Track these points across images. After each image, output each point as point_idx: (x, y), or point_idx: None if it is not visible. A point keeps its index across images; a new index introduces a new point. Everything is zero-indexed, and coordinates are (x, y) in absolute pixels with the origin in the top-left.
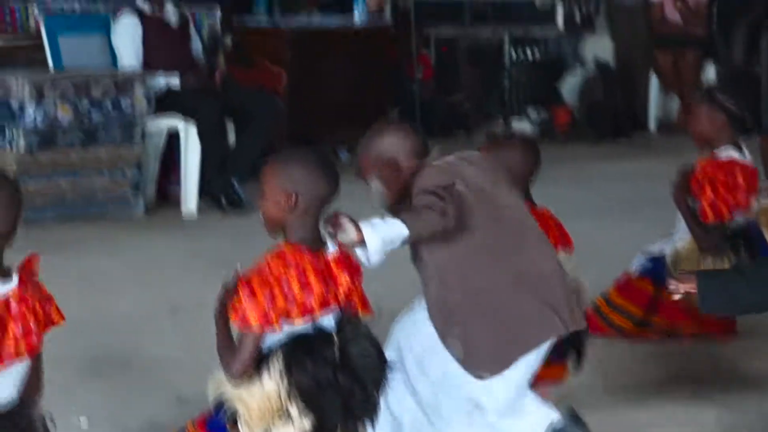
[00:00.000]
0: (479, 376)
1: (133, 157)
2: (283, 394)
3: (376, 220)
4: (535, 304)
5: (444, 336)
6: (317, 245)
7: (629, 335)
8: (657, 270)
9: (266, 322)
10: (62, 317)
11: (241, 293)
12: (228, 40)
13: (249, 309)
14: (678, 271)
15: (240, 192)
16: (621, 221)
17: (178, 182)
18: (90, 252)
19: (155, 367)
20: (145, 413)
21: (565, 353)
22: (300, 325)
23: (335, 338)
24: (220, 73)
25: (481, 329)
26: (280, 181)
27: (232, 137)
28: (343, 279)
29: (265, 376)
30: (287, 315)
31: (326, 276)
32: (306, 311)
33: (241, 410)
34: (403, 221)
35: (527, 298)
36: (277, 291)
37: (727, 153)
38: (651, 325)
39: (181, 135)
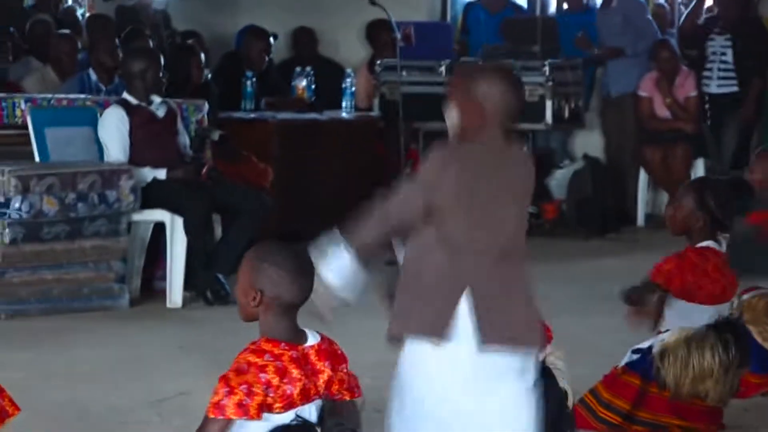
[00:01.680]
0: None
1: (119, 250)
2: None
3: (329, 257)
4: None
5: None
6: (295, 339)
7: (618, 430)
8: (644, 364)
9: (243, 412)
10: (17, 408)
11: (219, 390)
12: (215, 135)
13: (225, 402)
14: (665, 364)
15: (226, 286)
16: (609, 317)
17: (163, 275)
18: (74, 344)
19: None
20: None
21: None
22: (281, 415)
23: (317, 430)
24: (207, 168)
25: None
26: (250, 277)
27: (218, 231)
28: (324, 369)
29: None
30: (267, 406)
31: (306, 367)
32: (287, 402)
33: None
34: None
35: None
36: (254, 382)
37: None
38: (638, 419)
39: (168, 229)
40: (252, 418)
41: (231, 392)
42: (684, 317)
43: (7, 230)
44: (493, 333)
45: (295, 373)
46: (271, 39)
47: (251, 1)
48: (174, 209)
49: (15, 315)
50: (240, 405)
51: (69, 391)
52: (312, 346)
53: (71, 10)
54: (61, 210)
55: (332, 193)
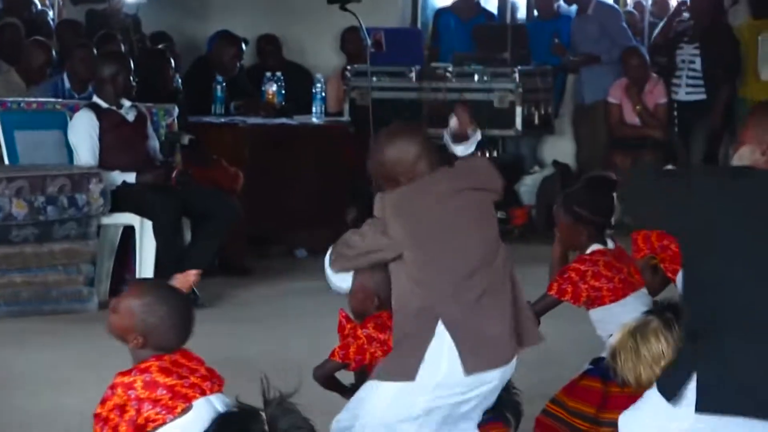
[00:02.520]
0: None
1: (88, 253)
2: None
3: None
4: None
5: None
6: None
7: None
8: (601, 369)
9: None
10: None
11: (97, 422)
12: (185, 139)
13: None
14: (618, 362)
15: (195, 290)
16: (575, 323)
17: (132, 278)
18: (43, 346)
19: None
20: None
21: (502, 416)
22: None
23: (262, 414)
24: (177, 172)
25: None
26: (132, 318)
27: (188, 235)
28: (198, 366)
29: None
30: (146, 419)
31: (180, 370)
32: (170, 409)
33: None
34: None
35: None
36: (124, 402)
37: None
38: (605, 421)
39: (137, 232)
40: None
41: (107, 422)
42: (613, 320)
43: None
44: (474, 361)
45: (164, 380)
46: (243, 45)
47: (221, 6)
48: (143, 213)
49: None
50: (128, 425)
51: (36, 394)
52: (178, 352)
53: (42, 14)
54: (31, 213)
55: (302, 197)
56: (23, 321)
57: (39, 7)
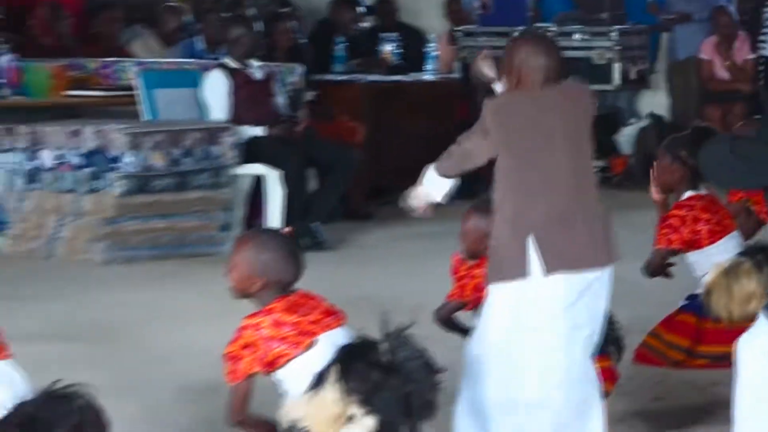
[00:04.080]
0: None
1: (222, 201)
2: (343, 401)
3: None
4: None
5: None
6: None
7: (682, 366)
8: (696, 304)
9: (256, 366)
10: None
11: (226, 364)
12: (309, 95)
13: (237, 368)
14: (712, 300)
15: (321, 234)
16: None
17: (262, 224)
18: (180, 287)
19: None
20: None
21: (606, 350)
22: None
23: (381, 345)
24: (302, 126)
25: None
26: (249, 265)
27: (312, 184)
28: (321, 304)
29: (325, 387)
30: (275, 355)
31: (301, 309)
32: (296, 344)
33: (308, 425)
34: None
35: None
36: (254, 342)
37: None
38: (699, 353)
39: (266, 182)
40: (266, 369)
41: (238, 359)
42: (708, 261)
43: (119, 183)
44: (554, 262)
45: (289, 318)
46: (360, 9)
47: None
48: (272, 164)
49: (128, 261)
50: (250, 364)
51: (173, 331)
52: (299, 293)
53: None
54: (169, 164)
55: (417, 148)
56: (164, 263)
57: None
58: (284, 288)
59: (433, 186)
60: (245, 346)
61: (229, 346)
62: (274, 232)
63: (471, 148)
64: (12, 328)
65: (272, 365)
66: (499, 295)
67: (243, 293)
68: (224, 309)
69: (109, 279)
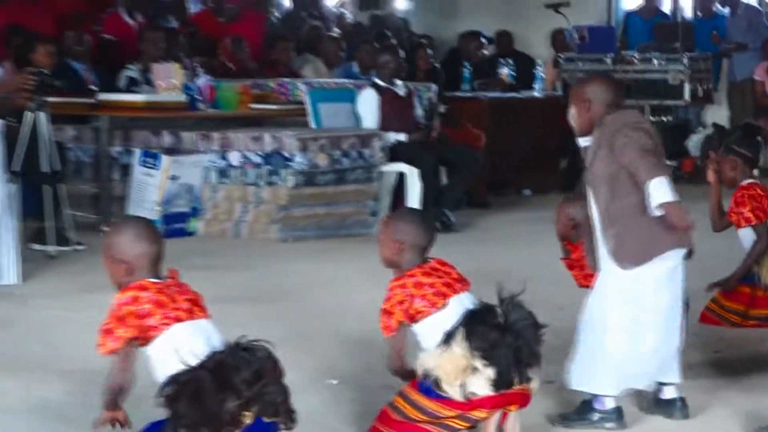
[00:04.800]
0: (624, 267)
1: (372, 192)
2: (468, 355)
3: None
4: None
5: (604, 233)
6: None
7: (737, 326)
8: (750, 276)
9: (401, 321)
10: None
11: (382, 319)
12: (442, 108)
13: (390, 323)
14: (762, 271)
15: (450, 219)
16: (726, 242)
17: None
18: (339, 260)
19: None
20: (390, 380)
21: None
22: (440, 309)
23: (498, 309)
24: (436, 133)
25: (631, 231)
26: (393, 233)
27: (443, 179)
28: (451, 269)
29: (453, 345)
30: (417, 312)
31: (439, 272)
32: (433, 303)
33: (440, 374)
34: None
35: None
36: (402, 299)
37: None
38: (752, 316)
39: (407, 177)
40: (409, 320)
41: (390, 314)
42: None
43: (291, 178)
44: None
45: (428, 280)
46: (483, 40)
47: (468, 11)
48: (411, 163)
49: (298, 239)
50: (400, 317)
51: (332, 294)
52: (435, 260)
53: (341, 16)
54: (330, 163)
55: (527, 151)
56: (326, 241)
57: (331, 9)
58: (422, 252)
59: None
60: (395, 303)
61: (384, 303)
62: (410, 209)
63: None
64: (208, 293)
65: (413, 319)
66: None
67: (390, 261)
68: (374, 277)
69: (283, 253)
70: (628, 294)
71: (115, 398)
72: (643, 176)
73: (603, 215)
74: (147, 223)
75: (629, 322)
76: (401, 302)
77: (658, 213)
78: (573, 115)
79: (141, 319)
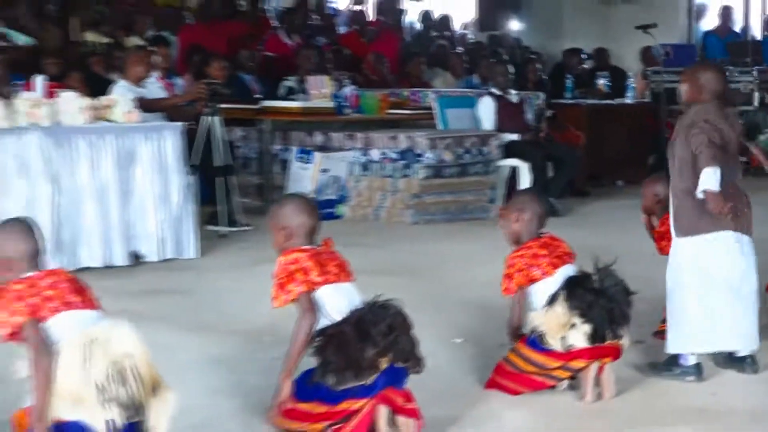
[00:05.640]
0: (678, 236)
1: (489, 183)
2: (568, 313)
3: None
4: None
5: (671, 207)
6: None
7: None
8: None
9: (520, 285)
10: (351, 278)
11: (505, 278)
12: (548, 113)
13: (508, 285)
14: None
15: (555, 205)
16: None
17: None
18: (463, 240)
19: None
20: (504, 339)
21: None
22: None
23: (594, 277)
24: (543, 133)
25: (685, 206)
26: (512, 211)
27: (549, 172)
28: (562, 244)
29: (556, 305)
30: (532, 279)
31: (552, 248)
32: (545, 272)
33: (545, 329)
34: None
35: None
36: (522, 267)
37: None
38: None
39: (519, 171)
40: (525, 285)
41: (511, 278)
42: None
43: (422, 171)
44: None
45: (542, 252)
46: (583, 56)
47: (571, 31)
48: (523, 158)
49: (427, 222)
50: (519, 281)
51: (460, 270)
52: (547, 236)
53: (465, 36)
54: (455, 158)
55: (620, 149)
56: (451, 224)
57: (456, 30)
58: (539, 225)
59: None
60: (516, 271)
61: (506, 270)
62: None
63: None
64: (353, 265)
65: (533, 281)
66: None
67: (514, 237)
68: (492, 253)
69: (415, 234)
70: (691, 263)
71: (297, 357)
72: (700, 164)
73: (671, 191)
74: (307, 199)
75: (698, 288)
76: (520, 270)
77: (701, 197)
78: (684, 92)
79: (307, 274)
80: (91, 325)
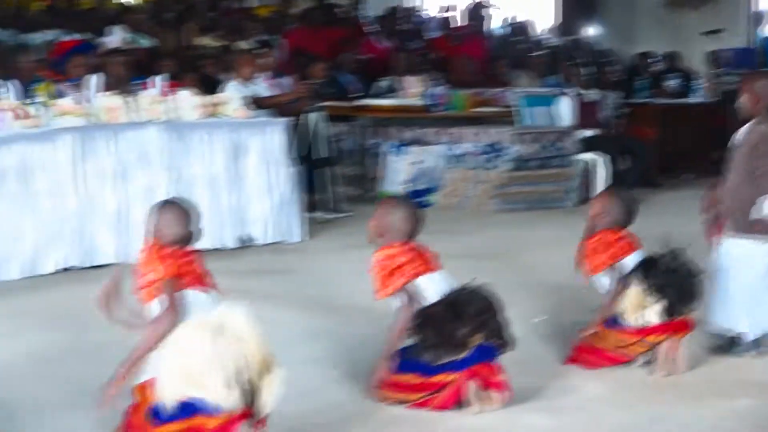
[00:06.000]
0: (732, 231)
1: (568, 175)
2: (644, 293)
3: None
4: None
5: (725, 204)
6: None
7: None
8: None
9: (606, 265)
10: (440, 266)
11: (586, 258)
12: (623, 111)
13: (592, 264)
14: None
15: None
16: None
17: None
18: (541, 227)
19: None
20: (579, 317)
21: None
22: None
23: (666, 258)
24: (618, 129)
25: (735, 209)
26: (598, 206)
27: (624, 165)
28: (629, 233)
29: (632, 284)
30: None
31: (620, 234)
32: (620, 254)
33: (622, 308)
34: None
35: None
36: (602, 250)
37: None
38: None
39: (595, 164)
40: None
41: (594, 257)
42: None
43: (506, 164)
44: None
45: (614, 237)
46: (655, 58)
47: (643, 35)
48: (599, 151)
49: (510, 211)
50: (604, 262)
51: (536, 253)
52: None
53: (546, 40)
54: (536, 152)
55: (688, 143)
56: (532, 212)
57: (537, 34)
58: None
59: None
60: (597, 252)
61: (588, 250)
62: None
63: None
64: (444, 250)
65: (616, 258)
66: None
67: (593, 222)
68: (569, 239)
69: (499, 222)
70: (740, 259)
71: (396, 344)
72: (761, 189)
73: (726, 191)
74: (409, 204)
75: (746, 278)
76: (600, 252)
77: (756, 217)
78: (743, 101)
79: (403, 268)
80: (211, 308)
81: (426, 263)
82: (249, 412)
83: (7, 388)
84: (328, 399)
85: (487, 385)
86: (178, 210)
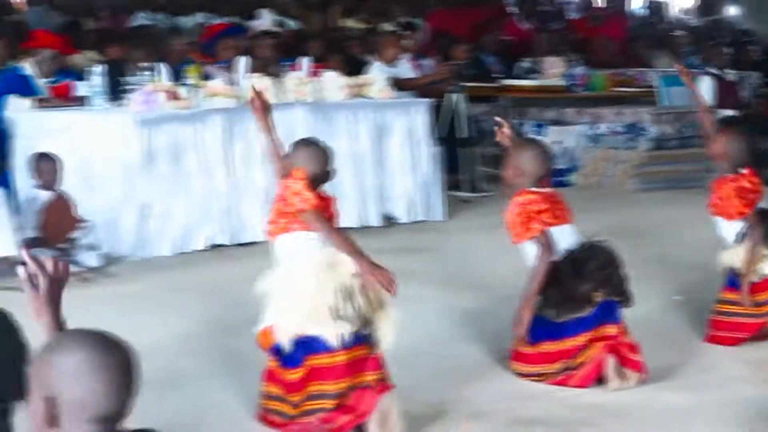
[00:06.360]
0: None
1: (706, 155)
2: (763, 247)
3: None
4: None
5: None
6: None
7: None
8: None
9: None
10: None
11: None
12: (762, 91)
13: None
14: None
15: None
16: None
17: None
18: (680, 206)
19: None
20: (715, 296)
21: None
22: None
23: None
24: (756, 109)
25: None
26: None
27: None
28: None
29: (746, 240)
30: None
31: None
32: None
33: (739, 264)
34: None
35: None
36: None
37: None
38: None
39: None
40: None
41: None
42: None
43: (645, 143)
44: None
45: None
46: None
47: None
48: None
49: (649, 190)
50: None
51: (681, 230)
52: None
53: (686, 21)
54: (676, 132)
55: None
56: (671, 192)
57: (678, 15)
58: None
59: None
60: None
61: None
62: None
63: None
64: (584, 228)
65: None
66: None
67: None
68: (708, 218)
69: (638, 200)
70: None
71: (538, 290)
72: None
73: None
74: (545, 148)
75: None
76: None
77: None
78: None
79: (542, 215)
80: (322, 251)
81: (561, 214)
82: (386, 385)
83: (164, 361)
84: (468, 373)
85: (624, 363)
86: (317, 148)
